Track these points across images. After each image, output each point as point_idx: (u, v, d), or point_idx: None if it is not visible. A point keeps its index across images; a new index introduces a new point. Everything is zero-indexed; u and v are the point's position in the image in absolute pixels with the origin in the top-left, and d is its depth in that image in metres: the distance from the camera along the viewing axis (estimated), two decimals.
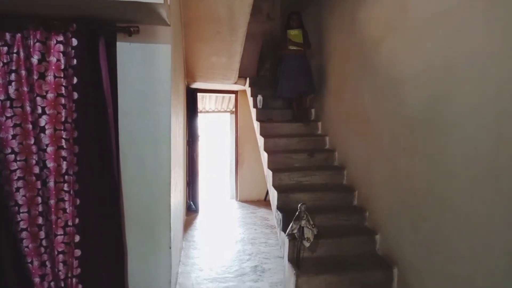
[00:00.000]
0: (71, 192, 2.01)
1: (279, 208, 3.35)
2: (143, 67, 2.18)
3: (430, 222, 2.38)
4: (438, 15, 2.29)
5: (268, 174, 3.91)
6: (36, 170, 1.94)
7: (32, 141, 1.92)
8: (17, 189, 1.92)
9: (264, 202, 6.56)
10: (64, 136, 1.98)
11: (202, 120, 7.69)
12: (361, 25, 3.43)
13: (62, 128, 1.98)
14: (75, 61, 1.98)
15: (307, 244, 2.72)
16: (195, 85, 6.05)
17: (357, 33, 3.51)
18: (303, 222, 2.70)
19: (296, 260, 2.76)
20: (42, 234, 1.97)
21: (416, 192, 2.52)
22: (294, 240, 2.81)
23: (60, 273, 2.03)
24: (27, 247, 1.94)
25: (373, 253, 3.03)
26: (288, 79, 4.36)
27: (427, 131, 2.40)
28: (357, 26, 3.51)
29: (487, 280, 1.92)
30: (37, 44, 1.90)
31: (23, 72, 1.88)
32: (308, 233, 2.69)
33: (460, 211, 2.11)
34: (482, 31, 1.95)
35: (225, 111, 8.10)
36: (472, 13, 2.02)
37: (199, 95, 6.48)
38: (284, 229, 2.99)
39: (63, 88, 1.96)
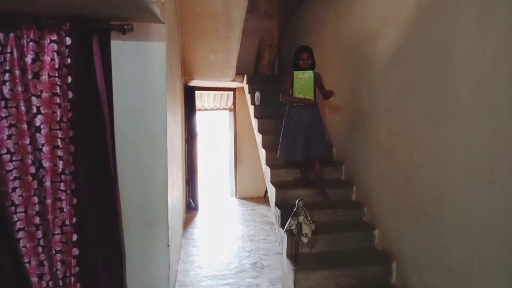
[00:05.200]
0: (68, 191, 2.02)
1: (277, 204, 3.35)
2: (137, 65, 2.18)
3: (428, 216, 2.38)
4: (434, 7, 2.29)
5: (266, 170, 3.91)
6: (32, 170, 1.94)
7: (28, 141, 1.93)
8: (14, 189, 1.92)
9: (264, 199, 6.57)
10: (59, 136, 1.99)
11: (200, 118, 7.69)
12: (357, 19, 3.42)
13: (58, 127, 1.98)
14: (69, 60, 1.98)
15: (305, 240, 2.72)
16: (193, 83, 6.04)
17: (353, 27, 3.51)
18: (301, 218, 2.70)
19: (294, 256, 2.76)
20: (39, 233, 1.97)
21: (414, 186, 2.52)
22: (293, 236, 2.81)
23: (58, 272, 2.04)
24: (24, 247, 1.95)
25: (371, 248, 3.03)
26: (295, 140, 3.31)
27: (425, 124, 2.40)
28: (353, 20, 3.50)
29: (484, 272, 1.92)
30: (31, 43, 1.90)
31: (17, 72, 1.88)
32: (306, 229, 2.69)
33: (457, 204, 2.11)
34: (477, 22, 1.94)
35: (224, 109, 8.09)
36: (467, 5, 2.01)
37: (197, 93, 6.47)
38: (282, 225, 2.99)
39: (57, 87, 1.96)
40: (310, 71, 3.28)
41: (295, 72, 3.28)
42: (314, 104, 3.30)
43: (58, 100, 1.97)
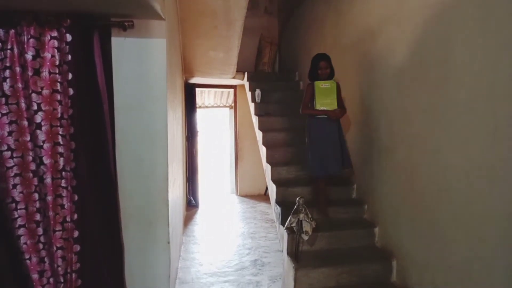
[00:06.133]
0: (69, 188, 2.02)
1: (278, 202, 3.35)
2: (138, 62, 2.17)
3: (428, 214, 2.38)
4: (434, 5, 2.28)
5: (267, 168, 3.91)
6: (33, 166, 1.94)
7: (28, 138, 1.93)
8: (14, 186, 1.92)
9: (264, 197, 6.57)
10: (60, 132, 1.99)
11: (201, 116, 7.69)
12: (357, 17, 3.41)
13: (58, 124, 1.98)
14: (69, 57, 1.97)
15: (305, 237, 2.72)
16: (194, 80, 6.03)
17: (353, 25, 3.50)
18: (301, 216, 2.70)
19: (295, 253, 2.77)
20: (40, 230, 1.97)
21: (414, 184, 2.52)
22: (293, 234, 2.81)
23: (60, 268, 2.04)
24: (25, 243, 1.95)
25: (372, 245, 3.04)
26: (319, 154, 3.06)
27: (425, 122, 2.40)
28: (354, 18, 3.49)
29: (484, 270, 1.92)
30: (31, 40, 1.90)
31: (18, 69, 1.88)
32: (306, 227, 2.69)
33: (457, 202, 2.11)
34: (478, 21, 1.94)
35: (224, 106, 8.09)
36: (467, 3, 2.01)
37: (197, 90, 6.46)
38: (283, 222, 2.99)
39: (58, 84, 1.96)
40: (332, 81, 3.06)
41: (316, 82, 3.04)
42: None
43: (58, 97, 1.96)
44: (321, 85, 3.02)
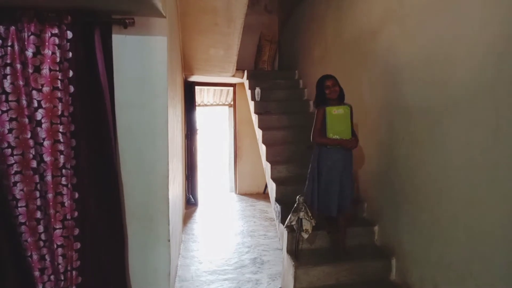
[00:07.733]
0: (69, 185, 2.01)
1: (277, 200, 3.36)
2: (139, 60, 2.17)
3: (428, 212, 2.38)
4: (436, 3, 2.28)
5: (267, 166, 3.91)
6: (34, 164, 1.93)
7: (29, 135, 1.92)
8: (15, 183, 1.92)
9: (263, 195, 6.58)
10: (60, 130, 1.98)
11: (200, 114, 7.67)
12: (358, 15, 3.41)
13: (59, 121, 1.97)
14: (70, 54, 1.96)
15: (305, 235, 2.73)
16: (193, 78, 6.03)
17: (354, 22, 3.49)
18: (301, 214, 2.70)
19: (294, 251, 2.77)
20: (41, 228, 1.97)
21: (415, 182, 2.53)
22: (293, 232, 2.82)
23: (60, 266, 2.04)
24: (26, 241, 1.94)
25: (371, 244, 3.05)
26: (331, 190, 2.70)
27: (426, 120, 2.40)
28: (355, 15, 3.49)
29: (484, 268, 1.93)
30: (32, 37, 1.89)
31: (18, 66, 1.87)
32: (306, 225, 2.70)
33: (458, 201, 2.12)
34: (479, 19, 1.94)
35: (224, 104, 8.07)
36: (469, 0, 2.01)
37: (197, 88, 6.45)
38: (282, 221, 3.00)
39: (59, 82, 1.95)
40: (346, 106, 2.68)
41: (327, 108, 2.66)
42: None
43: (59, 94, 1.96)
44: (334, 111, 2.65)
